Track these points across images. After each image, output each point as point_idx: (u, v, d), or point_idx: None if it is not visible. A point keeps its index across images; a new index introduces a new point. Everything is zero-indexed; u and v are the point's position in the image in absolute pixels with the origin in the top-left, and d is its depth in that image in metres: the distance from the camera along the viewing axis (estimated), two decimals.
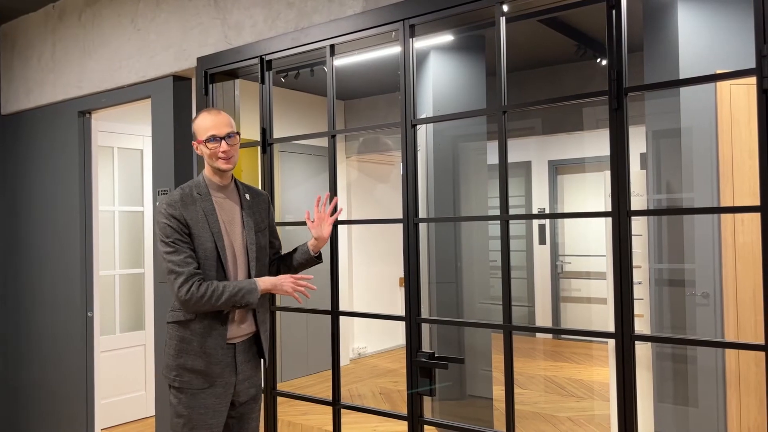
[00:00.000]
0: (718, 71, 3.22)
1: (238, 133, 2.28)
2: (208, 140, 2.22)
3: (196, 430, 2.22)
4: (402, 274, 7.96)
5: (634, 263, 2.95)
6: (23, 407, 4.11)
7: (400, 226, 2.40)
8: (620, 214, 1.90)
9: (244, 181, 2.49)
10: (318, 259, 2.48)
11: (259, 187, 2.62)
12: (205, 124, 2.24)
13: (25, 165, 4.13)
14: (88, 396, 3.72)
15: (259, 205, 2.42)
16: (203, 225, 2.22)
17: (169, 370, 2.25)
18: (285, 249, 2.60)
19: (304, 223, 2.48)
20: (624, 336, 1.89)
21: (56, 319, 3.87)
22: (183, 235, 2.18)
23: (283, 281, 2.25)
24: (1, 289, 4.25)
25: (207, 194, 2.26)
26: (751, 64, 3.18)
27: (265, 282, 2.24)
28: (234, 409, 2.35)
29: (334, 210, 2.48)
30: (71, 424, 3.78)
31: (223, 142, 2.23)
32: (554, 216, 2.07)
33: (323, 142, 6.60)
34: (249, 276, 2.31)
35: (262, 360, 2.41)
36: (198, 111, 2.28)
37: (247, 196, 2.38)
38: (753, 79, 3.10)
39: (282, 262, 2.52)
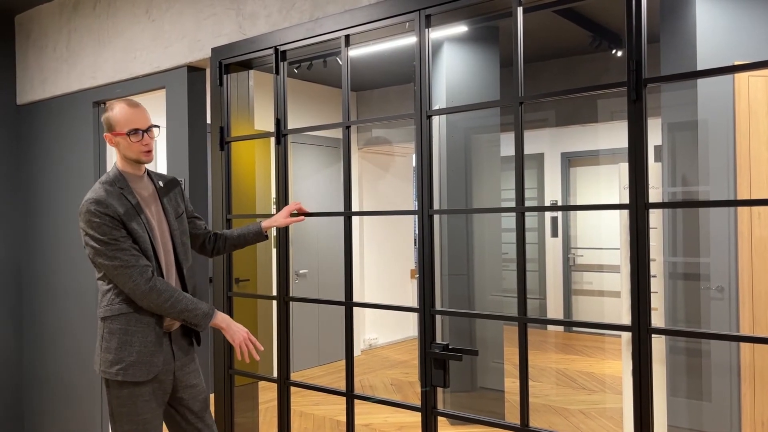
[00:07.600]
0: (737, 62, 3.18)
1: (157, 126, 2.32)
2: (130, 133, 2.22)
3: (141, 426, 2.22)
4: (413, 266, 7.97)
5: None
6: (38, 397, 4.16)
7: (411, 217, 2.40)
8: (638, 206, 1.88)
9: (258, 173, 2.51)
10: (266, 237, 2.62)
11: (272, 179, 2.67)
12: (126, 116, 2.22)
13: (39, 155, 4.15)
14: (102, 386, 3.76)
15: (172, 190, 2.46)
16: (135, 218, 2.22)
17: (110, 365, 2.21)
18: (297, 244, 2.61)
19: (318, 214, 2.47)
20: (641, 329, 1.88)
21: (71, 310, 3.90)
22: (120, 230, 2.16)
23: (238, 331, 2.28)
24: (16, 280, 4.29)
25: (128, 187, 2.27)
26: None
27: (222, 317, 2.30)
28: (182, 407, 2.37)
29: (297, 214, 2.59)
30: (86, 414, 3.82)
31: (146, 135, 2.25)
32: (571, 208, 2.05)
33: (334, 133, 6.59)
34: (176, 261, 2.35)
35: (194, 347, 2.46)
36: (111, 102, 2.30)
37: (161, 183, 2.42)
38: None
39: (226, 241, 2.58)
